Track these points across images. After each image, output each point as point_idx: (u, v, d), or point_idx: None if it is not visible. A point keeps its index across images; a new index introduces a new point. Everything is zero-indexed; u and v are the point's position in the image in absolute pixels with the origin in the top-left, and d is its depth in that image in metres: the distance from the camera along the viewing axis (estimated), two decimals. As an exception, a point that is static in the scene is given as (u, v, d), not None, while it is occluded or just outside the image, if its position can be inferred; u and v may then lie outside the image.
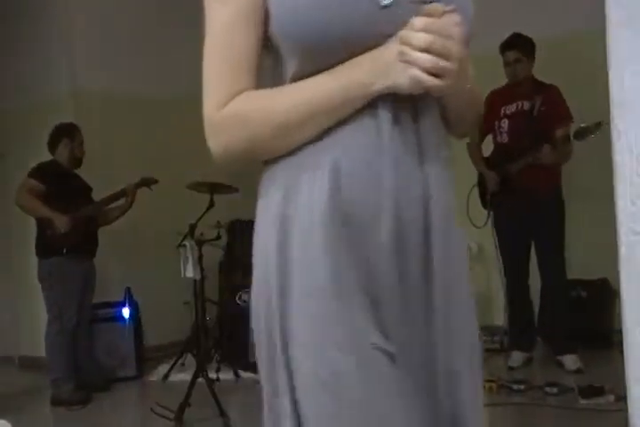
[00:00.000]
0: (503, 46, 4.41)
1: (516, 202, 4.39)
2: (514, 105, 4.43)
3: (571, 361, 4.32)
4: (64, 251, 4.45)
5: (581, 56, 4.91)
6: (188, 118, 6.60)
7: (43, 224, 4.49)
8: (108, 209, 4.81)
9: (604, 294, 4.84)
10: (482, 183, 4.64)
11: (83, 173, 4.97)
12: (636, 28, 1.14)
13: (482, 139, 4.65)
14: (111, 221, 4.83)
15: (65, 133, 4.70)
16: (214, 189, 4.76)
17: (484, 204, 4.64)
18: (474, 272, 5.80)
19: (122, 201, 4.81)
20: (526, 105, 4.38)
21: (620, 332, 1.32)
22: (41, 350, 4.62)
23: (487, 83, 4.51)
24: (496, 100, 4.47)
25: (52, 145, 4.70)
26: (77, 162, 4.76)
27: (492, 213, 4.60)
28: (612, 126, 1.21)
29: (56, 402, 4.41)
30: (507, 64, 4.42)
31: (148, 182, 4.85)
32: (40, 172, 4.56)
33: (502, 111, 4.46)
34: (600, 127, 3.73)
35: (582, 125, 3.86)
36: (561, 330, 4.45)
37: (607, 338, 4.68)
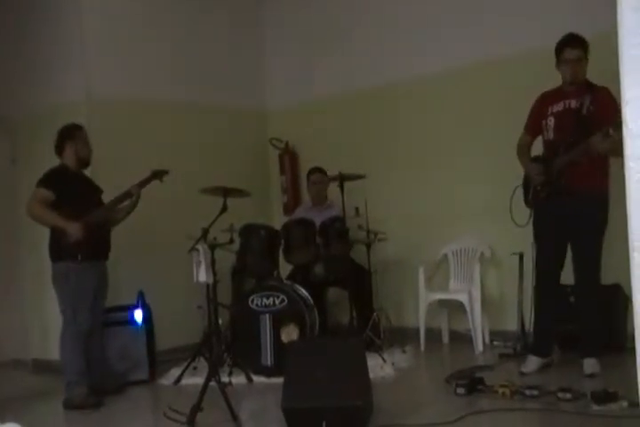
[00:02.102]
0: (564, 44, 4.33)
1: (557, 200, 4.34)
2: (561, 103, 4.40)
3: (588, 365, 4.29)
4: (79, 257, 4.45)
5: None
6: (202, 122, 6.74)
7: (56, 231, 4.49)
8: (114, 211, 4.78)
9: (617, 300, 4.81)
10: (527, 183, 4.59)
11: (96, 176, 4.99)
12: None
13: (532, 140, 4.64)
14: (117, 222, 4.81)
15: (67, 136, 4.67)
16: (227, 193, 4.77)
17: (527, 202, 4.58)
18: (487, 277, 5.86)
19: (127, 202, 4.76)
20: (574, 103, 4.33)
21: (633, 337, 1.31)
22: (53, 354, 4.63)
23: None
24: (545, 100, 4.50)
25: (58, 150, 4.68)
26: (84, 162, 4.72)
27: (532, 212, 4.54)
28: (626, 131, 1.21)
29: (69, 406, 4.41)
30: (566, 62, 4.33)
31: (159, 175, 4.78)
32: (49, 179, 4.54)
33: (550, 110, 4.44)
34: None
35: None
36: (587, 334, 4.42)
37: (620, 343, 4.65)
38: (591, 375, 4.22)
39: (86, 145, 4.72)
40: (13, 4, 5.86)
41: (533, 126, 4.58)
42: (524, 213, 4.59)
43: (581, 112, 4.27)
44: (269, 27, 7.09)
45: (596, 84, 4.33)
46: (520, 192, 4.63)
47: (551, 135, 4.43)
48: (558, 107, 4.41)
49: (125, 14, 5.89)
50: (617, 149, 4.28)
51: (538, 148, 4.61)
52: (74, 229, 4.40)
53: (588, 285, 4.39)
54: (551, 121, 4.42)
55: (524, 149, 4.63)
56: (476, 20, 5.69)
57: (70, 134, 4.68)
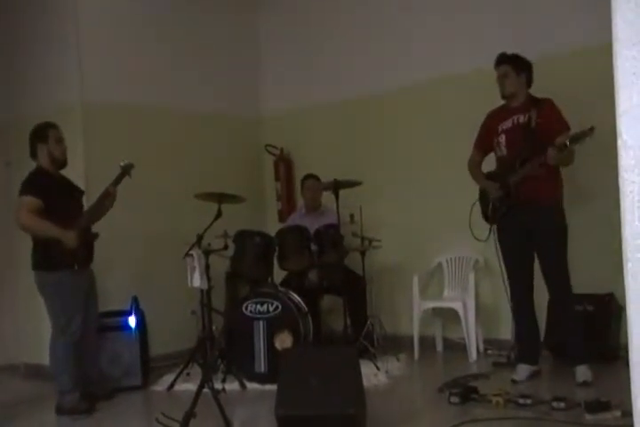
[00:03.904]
0: (494, 63, 4.61)
1: (518, 214, 4.43)
2: (509, 120, 4.55)
3: (580, 372, 4.30)
4: (75, 267, 4.37)
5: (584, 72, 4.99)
6: (197, 128, 6.75)
7: (49, 241, 4.32)
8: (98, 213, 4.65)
9: (611, 309, 4.83)
10: (483, 198, 4.72)
11: (89, 180, 4.97)
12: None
13: (482, 158, 4.81)
14: (94, 222, 4.64)
15: (36, 136, 4.51)
16: (222, 198, 4.78)
17: (486, 218, 4.70)
18: (482, 286, 5.90)
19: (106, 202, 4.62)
20: (522, 118, 4.49)
21: (627, 347, 1.32)
22: (46, 359, 4.60)
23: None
24: (493, 119, 4.68)
25: (32, 153, 4.52)
26: (60, 162, 4.53)
27: (494, 226, 4.64)
28: (620, 142, 1.22)
29: (61, 411, 4.39)
30: (497, 78, 4.59)
31: (127, 170, 4.60)
32: (32, 185, 4.37)
33: (500, 128, 4.58)
34: (593, 132, 3.82)
35: (576, 131, 3.97)
36: (573, 341, 4.44)
37: (614, 352, 4.66)
38: (584, 383, 4.23)
39: (59, 144, 4.51)
40: (7, 6, 5.83)
41: (483, 144, 4.75)
42: (484, 228, 4.71)
43: (530, 126, 4.42)
44: (265, 34, 7.11)
45: (538, 97, 4.50)
46: (477, 208, 4.75)
47: (504, 151, 4.56)
48: (507, 124, 4.56)
49: (122, 18, 5.89)
50: (568, 160, 4.46)
51: (488, 164, 4.75)
52: (70, 239, 4.30)
53: (563, 293, 4.45)
54: (502, 138, 4.56)
55: (475, 167, 4.81)
56: (470, 30, 5.71)
57: (40, 135, 4.50)
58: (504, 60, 4.56)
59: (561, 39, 5.18)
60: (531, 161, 4.30)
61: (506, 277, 4.65)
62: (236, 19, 6.91)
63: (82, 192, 4.73)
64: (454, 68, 5.76)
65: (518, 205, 4.41)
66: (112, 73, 5.71)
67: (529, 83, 4.57)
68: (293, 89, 6.92)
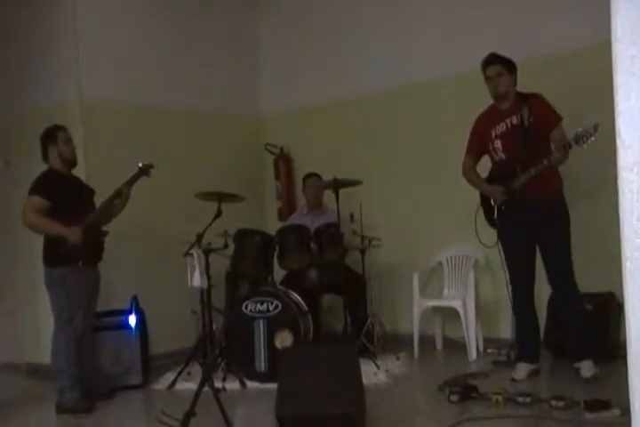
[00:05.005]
0: (483, 63, 4.55)
1: (520, 213, 4.40)
2: (502, 124, 4.51)
3: (585, 368, 4.29)
4: (80, 264, 4.43)
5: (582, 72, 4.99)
6: (197, 127, 6.74)
7: (54, 238, 4.41)
8: (108, 212, 4.70)
9: (611, 308, 4.83)
10: (484, 202, 4.68)
11: (88, 178, 4.99)
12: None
13: (475, 163, 4.75)
14: (106, 222, 4.73)
15: (47, 139, 4.60)
16: (222, 198, 4.78)
17: (491, 222, 4.66)
18: (482, 284, 5.89)
19: (117, 201, 4.69)
20: (515, 120, 4.45)
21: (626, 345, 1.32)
22: (47, 358, 4.61)
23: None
24: (484, 123, 4.63)
25: (43, 154, 4.62)
26: (70, 163, 4.63)
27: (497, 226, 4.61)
28: (619, 141, 1.22)
29: (61, 410, 4.41)
30: (488, 79, 4.53)
31: (146, 170, 4.69)
32: (41, 186, 4.46)
33: (493, 133, 4.54)
34: (597, 129, 3.81)
35: (580, 129, 3.93)
36: (576, 336, 4.44)
37: (614, 351, 4.66)
38: (593, 378, 4.22)
39: (68, 145, 4.62)
40: (6, 2, 5.78)
41: (475, 149, 4.69)
42: (490, 233, 4.65)
43: (524, 126, 4.37)
44: (265, 33, 7.10)
45: (526, 93, 4.46)
46: (481, 212, 4.71)
47: (502, 156, 4.51)
48: (501, 128, 4.51)
49: (120, 16, 5.87)
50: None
51: (480, 168, 4.71)
52: (74, 236, 4.35)
53: (568, 289, 4.44)
54: (498, 143, 4.52)
55: (471, 171, 4.74)
56: (468, 30, 5.71)
57: (50, 137, 4.60)
58: (496, 60, 4.52)
59: (559, 38, 5.18)
60: (534, 165, 4.25)
61: (507, 275, 4.63)
62: (235, 18, 6.91)
63: (92, 191, 4.79)
64: (454, 67, 5.75)
65: (520, 204, 4.39)
66: (111, 71, 5.70)
67: (516, 83, 4.55)
68: (293, 88, 6.91)
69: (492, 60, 4.53)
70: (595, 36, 4.21)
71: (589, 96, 4.71)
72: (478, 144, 4.66)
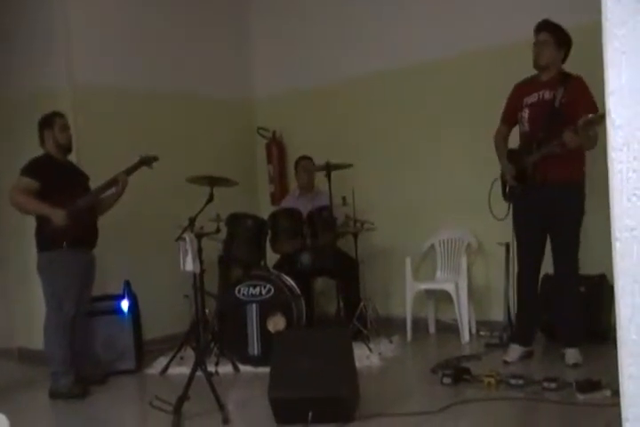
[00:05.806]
0: (534, 28, 4.40)
1: (533, 193, 4.38)
2: (535, 95, 4.43)
3: (570, 355, 4.33)
4: (64, 245, 4.43)
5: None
6: (188, 111, 6.70)
7: (42, 219, 4.46)
8: (101, 198, 4.73)
9: (603, 290, 4.84)
10: (503, 176, 4.64)
11: (80, 163, 4.98)
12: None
13: (508, 131, 4.68)
14: (104, 210, 4.79)
15: (44, 124, 4.64)
16: (214, 182, 4.76)
17: (505, 196, 4.65)
18: (474, 267, 5.90)
19: (114, 189, 4.72)
20: (547, 95, 4.36)
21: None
22: (39, 343, 4.61)
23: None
24: (519, 92, 4.54)
25: (40, 140, 4.66)
26: (65, 149, 4.67)
27: (510, 205, 4.61)
28: (609, 121, 1.21)
29: (54, 395, 4.41)
30: (534, 45, 4.41)
31: (148, 161, 4.75)
32: (32, 167, 4.50)
33: (524, 102, 4.47)
34: (604, 119, 3.74)
35: (590, 116, 3.85)
36: (564, 323, 4.45)
37: (605, 333, 4.69)
38: (574, 365, 4.25)
39: (64, 131, 4.66)
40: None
41: (509, 118, 4.64)
42: (503, 206, 4.66)
43: (554, 104, 4.31)
44: (255, 15, 7.05)
45: (571, 73, 4.36)
46: (498, 185, 4.68)
47: (527, 127, 4.47)
48: (532, 98, 4.44)
49: (112, 4, 5.82)
50: (589, 144, 4.26)
51: (515, 139, 4.65)
52: (58, 217, 4.37)
53: (568, 274, 4.44)
54: (526, 113, 4.46)
55: (500, 141, 4.68)
56: (465, 9, 5.68)
57: (47, 123, 4.64)
58: (546, 27, 4.35)
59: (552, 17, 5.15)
60: (548, 142, 4.22)
61: (517, 255, 4.62)
62: (227, 1, 6.85)
63: (87, 177, 4.81)
64: (448, 50, 5.73)
65: (534, 184, 4.36)
66: (101, 56, 5.65)
67: (564, 59, 4.42)
68: (285, 72, 6.87)
69: (541, 26, 4.37)
70: (585, 15, 4.18)
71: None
72: (511, 112, 4.57)
